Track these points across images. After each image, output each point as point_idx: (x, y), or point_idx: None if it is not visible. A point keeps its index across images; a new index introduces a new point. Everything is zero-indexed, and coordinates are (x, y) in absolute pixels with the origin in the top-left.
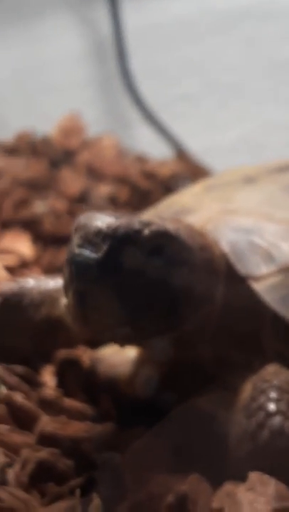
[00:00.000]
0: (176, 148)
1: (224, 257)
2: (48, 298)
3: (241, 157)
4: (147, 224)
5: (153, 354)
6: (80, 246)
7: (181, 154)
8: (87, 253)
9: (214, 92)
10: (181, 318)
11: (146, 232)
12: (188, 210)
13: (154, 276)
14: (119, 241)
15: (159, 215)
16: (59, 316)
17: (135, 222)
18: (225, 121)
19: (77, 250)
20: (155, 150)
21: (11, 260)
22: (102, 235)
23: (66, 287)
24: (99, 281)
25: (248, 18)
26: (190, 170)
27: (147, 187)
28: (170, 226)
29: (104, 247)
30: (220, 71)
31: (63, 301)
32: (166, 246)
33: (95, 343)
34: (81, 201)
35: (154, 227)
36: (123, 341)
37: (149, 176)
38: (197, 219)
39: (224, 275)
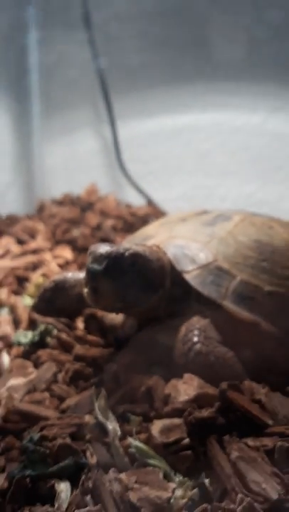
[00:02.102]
0: (147, 200)
1: (169, 262)
2: (79, 283)
3: (181, 205)
4: (127, 249)
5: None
6: (92, 262)
7: (150, 203)
8: (96, 266)
9: (166, 171)
10: (149, 297)
11: (126, 254)
12: (150, 237)
13: (133, 277)
14: (112, 260)
15: (134, 241)
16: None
17: (120, 248)
18: (172, 185)
19: (90, 265)
20: (136, 201)
21: (60, 261)
22: (103, 257)
23: (85, 283)
24: (102, 281)
25: (196, 132)
26: (154, 212)
27: (132, 221)
28: (140, 248)
29: (104, 263)
30: (169, 159)
31: (85, 290)
32: (138, 260)
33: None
34: (98, 229)
35: (131, 251)
36: (117, 311)
37: (133, 215)
38: (155, 241)
39: (170, 272)
